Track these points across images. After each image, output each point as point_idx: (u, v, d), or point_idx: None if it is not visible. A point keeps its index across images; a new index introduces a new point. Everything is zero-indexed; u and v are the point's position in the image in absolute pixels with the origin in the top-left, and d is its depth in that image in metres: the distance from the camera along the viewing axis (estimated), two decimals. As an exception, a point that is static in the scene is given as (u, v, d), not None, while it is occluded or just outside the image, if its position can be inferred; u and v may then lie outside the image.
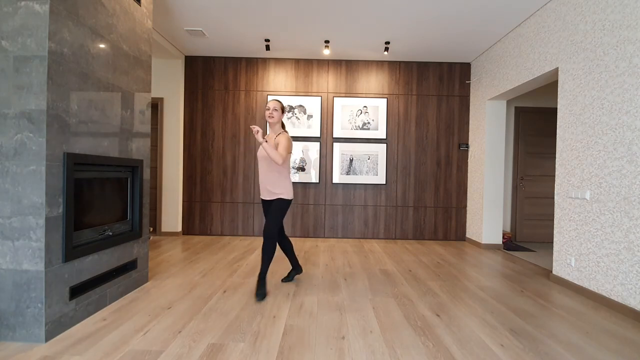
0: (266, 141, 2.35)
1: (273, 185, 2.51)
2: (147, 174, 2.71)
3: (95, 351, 1.70)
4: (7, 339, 1.76)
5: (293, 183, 4.83)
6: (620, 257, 2.38)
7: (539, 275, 3.23)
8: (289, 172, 2.61)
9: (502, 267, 3.46)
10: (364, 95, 4.82)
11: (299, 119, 4.80)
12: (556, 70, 3.14)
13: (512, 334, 1.97)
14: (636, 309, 2.24)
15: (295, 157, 4.80)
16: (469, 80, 4.82)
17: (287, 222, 4.85)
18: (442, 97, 4.84)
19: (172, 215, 4.75)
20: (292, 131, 4.79)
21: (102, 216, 2.26)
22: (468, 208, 4.80)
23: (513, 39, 3.78)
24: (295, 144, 4.80)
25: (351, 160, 4.79)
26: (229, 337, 1.87)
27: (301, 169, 4.81)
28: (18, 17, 1.74)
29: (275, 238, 2.48)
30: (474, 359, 1.69)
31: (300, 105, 4.80)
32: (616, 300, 2.39)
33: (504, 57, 3.95)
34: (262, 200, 2.62)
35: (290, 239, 4.77)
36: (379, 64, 4.84)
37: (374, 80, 4.84)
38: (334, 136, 4.79)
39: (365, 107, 4.80)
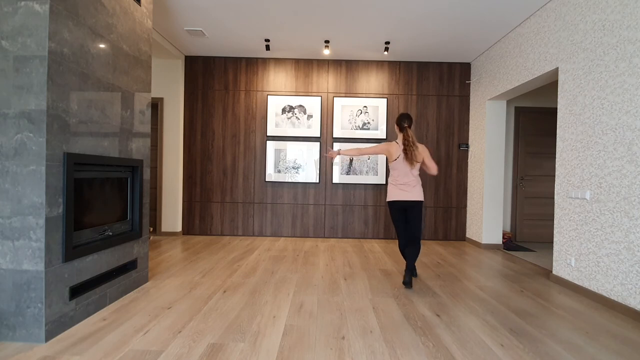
0: None
1: (421, 188, 2.81)
2: (147, 174, 2.71)
3: (95, 351, 1.70)
4: (7, 339, 1.76)
5: (293, 183, 4.83)
6: (620, 257, 2.38)
7: (539, 275, 3.23)
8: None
9: (502, 267, 3.46)
10: (364, 95, 4.82)
11: (299, 119, 4.80)
12: (556, 70, 3.14)
13: (512, 334, 1.97)
14: (636, 309, 2.24)
15: (296, 157, 4.80)
16: (469, 80, 4.82)
17: (287, 222, 4.86)
18: (442, 97, 4.84)
19: (172, 215, 4.76)
20: (292, 131, 4.79)
21: (102, 216, 2.26)
22: (468, 208, 4.80)
23: (513, 39, 3.78)
24: (295, 143, 4.80)
25: (351, 160, 4.79)
26: (229, 337, 1.87)
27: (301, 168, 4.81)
28: (18, 17, 1.74)
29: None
30: (474, 359, 1.69)
31: (300, 105, 4.80)
32: (616, 300, 2.39)
33: (504, 57, 3.95)
34: (399, 201, 2.78)
35: (290, 239, 4.77)
36: (379, 64, 4.84)
37: (374, 80, 4.84)
38: (334, 136, 4.79)
39: (365, 107, 4.80)
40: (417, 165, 2.77)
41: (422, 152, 2.77)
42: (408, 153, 2.69)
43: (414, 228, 2.79)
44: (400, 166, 2.76)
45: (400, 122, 2.78)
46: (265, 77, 4.83)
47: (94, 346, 1.75)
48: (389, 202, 2.85)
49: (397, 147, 2.77)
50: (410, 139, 2.72)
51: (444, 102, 4.84)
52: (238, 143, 4.84)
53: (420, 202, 2.78)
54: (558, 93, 3.08)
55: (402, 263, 3.54)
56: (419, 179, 2.81)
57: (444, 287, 2.78)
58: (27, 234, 1.75)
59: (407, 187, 2.76)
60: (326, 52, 4.47)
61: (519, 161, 4.90)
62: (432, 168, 2.76)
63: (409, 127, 2.75)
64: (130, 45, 2.48)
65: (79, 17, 1.98)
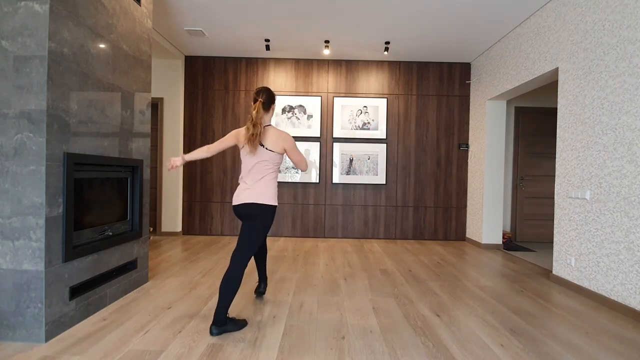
0: None
1: (265, 186, 2.02)
2: (147, 174, 2.71)
3: (95, 351, 1.70)
4: (7, 339, 1.76)
5: (293, 183, 4.83)
6: (620, 257, 2.38)
7: (539, 275, 3.23)
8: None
9: (502, 267, 3.46)
10: (364, 95, 4.82)
11: (299, 119, 4.80)
12: (556, 70, 3.14)
13: (512, 334, 1.97)
14: (636, 309, 2.24)
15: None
16: (469, 80, 4.82)
17: (287, 222, 4.85)
18: (442, 97, 4.84)
19: (172, 215, 4.75)
20: (292, 131, 4.79)
21: (102, 216, 2.26)
22: (468, 208, 4.79)
23: (513, 39, 3.78)
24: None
25: (351, 160, 4.79)
26: (229, 337, 1.87)
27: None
28: (18, 17, 1.74)
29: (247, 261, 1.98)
30: (474, 359, 1.69)
31: (300, 105, 4.80)
32: (616, 300, 2.39)
33: (504, 57, 3.95)
34: (241, 205, 2.00)
35: (290, 239, 4.77)
36: (379, 64, 4.84)
37: (374, 80, 4.84)
38: (334, 136, 4.79)
39: (365, 107, 4.80)
40: (266, 156, 2.00)
41: (278, 139, 2.03)
42: (248, 134, 1.96)
43: (241, 241, 1.97)
44: (245, 154, 2.06)
45: (254, 96, 2.03)
46: (265, 77, 4.83)
47: (94, 346, 1.75)
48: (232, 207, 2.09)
49: (245, 131, 2.03)
50: (255, 115, 1.96)
51: (444, 102, 4.84)
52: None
53: (261, 206, 1.96)
54: (558, 93, 3.08)
55: (403, 263, 3.54)
56: (267, 174, 2.02)
57: (444, 287, 2.78)
58: (27, 234, 1.74)
59: (243, 188, 2.01)
60: (326, 52, 4.47)
61: (519, 161, 4.90)
62: (299, 163, 2.11)
63: (263, 102, 2.00)
64: (130, 45, 2.48)
65: (79, 17, 1.97)
